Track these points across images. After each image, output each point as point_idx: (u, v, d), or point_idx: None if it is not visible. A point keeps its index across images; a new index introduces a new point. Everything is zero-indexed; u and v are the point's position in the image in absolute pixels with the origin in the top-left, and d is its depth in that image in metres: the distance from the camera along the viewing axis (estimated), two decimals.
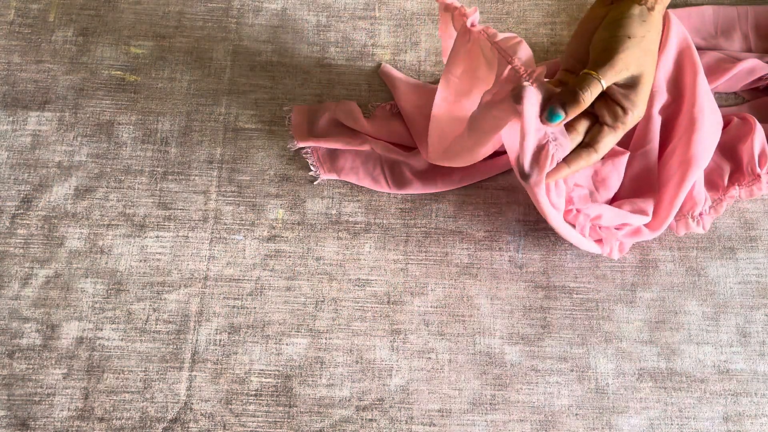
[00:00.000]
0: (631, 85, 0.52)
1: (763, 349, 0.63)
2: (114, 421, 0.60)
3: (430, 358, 0.62)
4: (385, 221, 0.67)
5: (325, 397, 0.61)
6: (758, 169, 0.65)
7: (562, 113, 0.50)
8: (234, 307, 0.64)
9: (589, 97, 0.49)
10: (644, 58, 0.52)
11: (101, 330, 0.62)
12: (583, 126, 0.53)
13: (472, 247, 0.66)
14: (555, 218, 0.58)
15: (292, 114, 0.71)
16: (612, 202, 0.65)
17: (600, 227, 0.63)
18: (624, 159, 0.63)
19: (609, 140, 0.53)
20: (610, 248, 0.63)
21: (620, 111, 0.52)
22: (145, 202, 0.67)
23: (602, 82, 0.50)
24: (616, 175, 0.63)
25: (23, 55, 0.73)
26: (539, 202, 0.56)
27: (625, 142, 0.67)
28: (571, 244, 0.66)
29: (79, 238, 0.65)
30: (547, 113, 0.50)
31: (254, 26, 0.75)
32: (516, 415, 0.60)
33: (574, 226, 0.62)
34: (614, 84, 0.52)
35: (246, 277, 0.65)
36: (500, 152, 0.68)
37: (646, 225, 0.64)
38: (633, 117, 0.53)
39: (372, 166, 0.68)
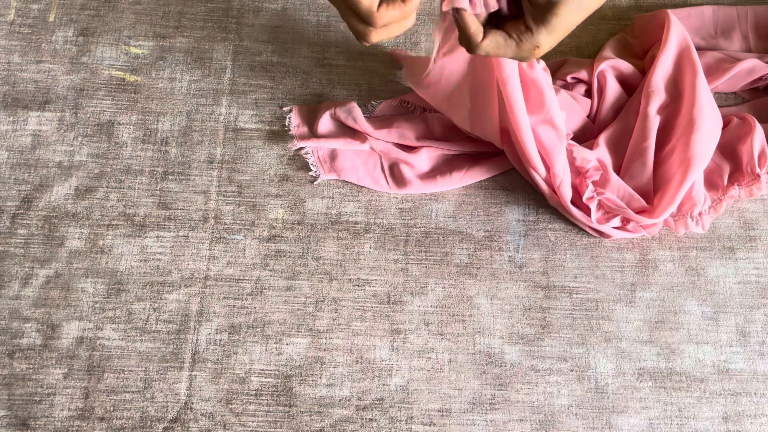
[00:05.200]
0: (545, 7, 0.48)
1: (763, 349, 0.63)
2: (114, 421, 0.60)
3: (430, 357, 0.62)
4: (385, 221, 0.67)
5: (325, 397, 0.61)
6: (758, 169, 0.65)
7: None
8: (234, 307, 0.64)
9: None
10: None
11: (101, 330, 0.62)
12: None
13: (472, 247, 0.66)
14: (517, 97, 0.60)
15: (292, 114, 0.71)
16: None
17: (604, 204, 0.64)
18: (561, 95, 0.67)
19: (496, 41, 0.50)
20: (599, 218, 0.65)
21: (523, 26, 0.49)
22: (145, 202, 0.67)
23: None
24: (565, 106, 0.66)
25: (23, 55, 0.73)
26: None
27: (623, 142, 0.68)
28: (570, 244, 0.66)
29: (79, 238, 0.65)
30: None
31: (254, 26, 0.75)
32: (516, 415, 0.60)
33: (586, 208, 0.64)
34: (529, 2, 0.49)
35: (246, 277, 0.65)
36: (500, 152, 0.69)
37: (641, 225, 0.64)
38: (529, 40, 0.49)
39: (372, 166, 0.68)
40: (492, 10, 0.49)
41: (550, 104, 0.61)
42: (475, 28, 0.49)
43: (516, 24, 0.49)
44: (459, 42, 0.51)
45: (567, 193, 0.64)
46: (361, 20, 0.48)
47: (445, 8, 0.49)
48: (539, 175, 0.64)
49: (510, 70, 0.58)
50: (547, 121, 0.62)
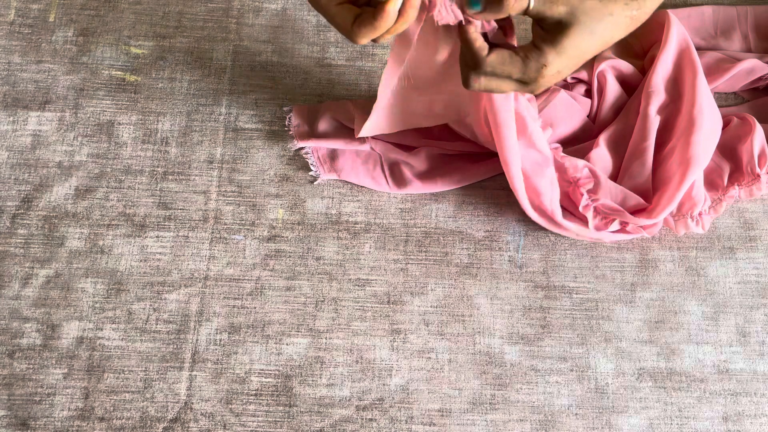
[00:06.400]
0: (555, 28, 0.47)
1: (763, 349, 0.63)
2: (114, 421, 0.60)
3: (430, 357, 0.62)
4: (385, 221, 0.67)
5: (325, 397, 0.61)
6: (758, 169, 0.65)
7: (480, 4, 0.48)
8: (234, 307, 0.64)
9: (513, 3, 0.46)
10: (585, 16, 0.47)
11: (101, 330, 0.62)
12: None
13: (472, 247, 0.66)
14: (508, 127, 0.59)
15: (292, 114, 0.71)
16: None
17: (600, 209, 0.63)
18: (561, 95, 0.67)
19: (502, 56, 0.48)
20: (598, 224, 0.64)
21: (531, 45, 0.48)
22: (145, 202, 0.67)
23: (531, 0, 0.46)
24: (563, 110, 0.67)
25: (23, 55, 0.73)
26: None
27: (623, 142, 0.68)
28: (570, 244, 0.66)
29: (79, 238, 0.65)
30: (470, 0, 0.48)
31: (254, 26, 0.75)
32: (516, 415, 0.61)
33: (583, 217, 0.64)
34: (538, 25, 0.48)
35: (246, 277, 0.65)
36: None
37: (640, 225, 0.64)
38: (536, 58, 0.48)
39: (372, 166, 0.68)
40: (487, 30, 0.49)
41: (532, 130, 0.61)
42: (481, 43, 0.48)
43: (524, 45, 0.48)
44: (460, 60, 0.50)
45: (557, 210, 0.63)
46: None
47: (451, 22, 0.48)
48: (525, 207, 0.64)
49: (502, 104, 0.58)
50: (530, 145, 0.61)
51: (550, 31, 0.47)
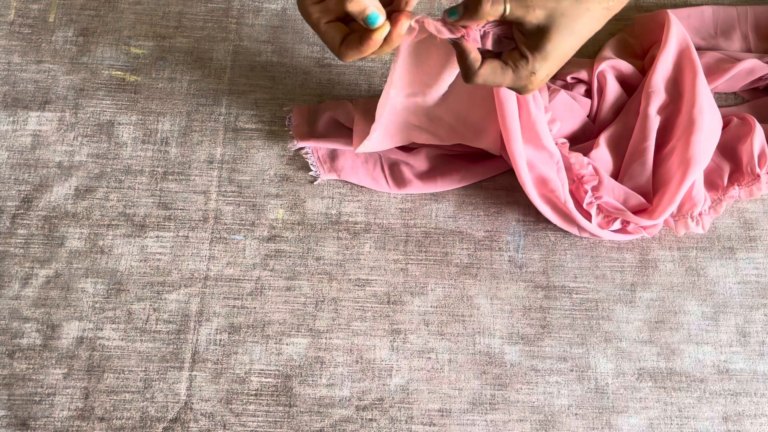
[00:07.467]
0: (536, 34, 0.48)
1: (763, 349, 0.63)
2: (114, 421, 0.60)
3: (430, 358, 0.62)
4: (385, 221, 0.67)
5: (325, 397, 0.61)
6: (758, 169, 0.65)
7: (458, 12, 0.48)
8: (234, 307, 0.64)
9: (488, 8, 0.47)
10: (563, 17, 0.48)
11: (101, 330, 0.62)
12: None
13: (472, 247, 0.66)
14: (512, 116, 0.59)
15: (292, 114, 0.71)
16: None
17: (603, 208, 0.64)
18: (561, 95, 0.67)
19: (493, 68, 0.50)
20: (599, 222, 0.64)
21: (518, 54, 0.50)
22: (145, 202, 0.67)
23: (507, 5, 0.47)
24: (563, 110, 0.67)
25: (23, 55, 0.73)
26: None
27: (623, 142, 0.68)
28: (570, 244, 0.66)
29: (79, 238, 0.65)
30: (449, 9, 0.49)
31: (254, 26, 0.75)
32: (516, 415, 0.61)
33: (588, 214, 0.64)
34: (519, 31, 0.49)
35: (246, 277, 0.65)
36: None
37: (641, 225, 0.64)
38: (525, 67, 0.49)
39: (372, 166, 0.68)
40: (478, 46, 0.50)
41: (535, 118, 0.61)
42: (474, 55, 0.49)
43: (512, 53, 0.50)
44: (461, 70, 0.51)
45: (569, 200, 0.63)
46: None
47: (447, 35, 0.49)
48: (532, 196, 0.64)
49: (508, 96, 0.58)
50: (538, 145, 0.62)
51: (531, 37, 0.48)
